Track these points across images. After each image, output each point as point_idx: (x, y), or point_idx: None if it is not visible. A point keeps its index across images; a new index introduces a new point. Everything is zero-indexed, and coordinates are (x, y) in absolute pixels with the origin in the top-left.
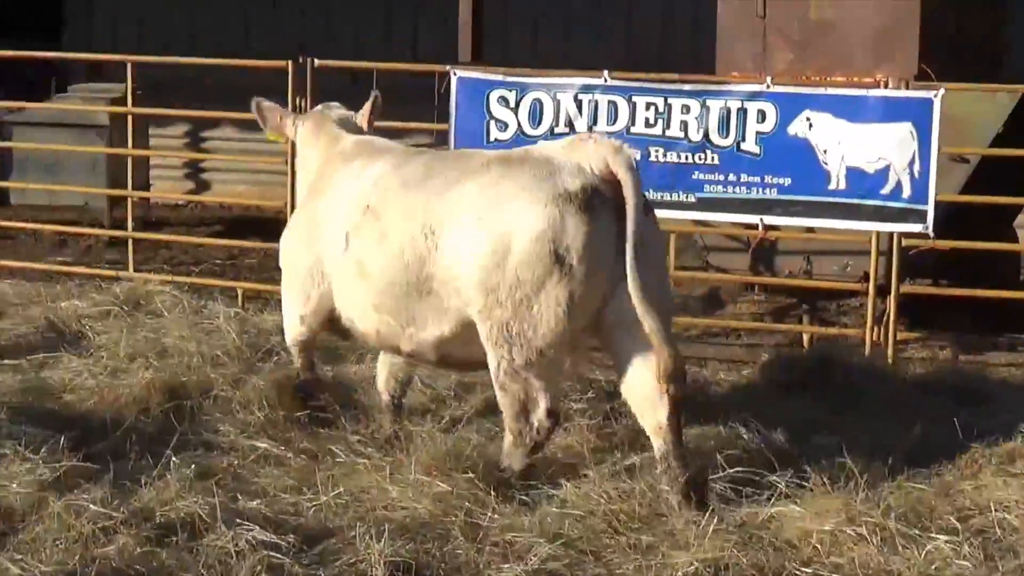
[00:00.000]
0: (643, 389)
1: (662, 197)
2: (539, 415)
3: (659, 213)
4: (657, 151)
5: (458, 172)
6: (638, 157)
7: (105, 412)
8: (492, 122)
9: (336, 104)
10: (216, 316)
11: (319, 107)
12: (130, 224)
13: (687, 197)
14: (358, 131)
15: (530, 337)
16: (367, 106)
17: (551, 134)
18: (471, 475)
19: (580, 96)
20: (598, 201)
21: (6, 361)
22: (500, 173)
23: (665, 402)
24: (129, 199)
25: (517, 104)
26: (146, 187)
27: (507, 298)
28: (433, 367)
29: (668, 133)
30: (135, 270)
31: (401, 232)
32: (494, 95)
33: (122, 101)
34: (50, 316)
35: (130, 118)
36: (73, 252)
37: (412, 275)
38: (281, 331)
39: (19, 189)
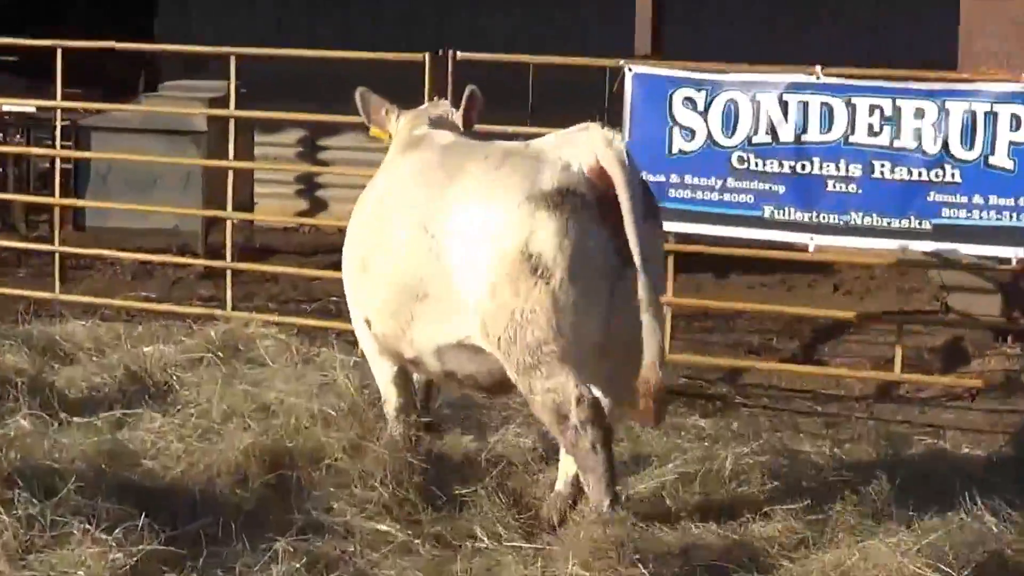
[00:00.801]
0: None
1: (889, 224)
2: (573, 410)
3: (883, 244)
4: (883, 166)
5: (461, 165)
6: (623, 148)
7: (194, 484)
8: (676, 129)
9: (445, 101)
10: (331, 366)
11: (425, 104)
12: (228, 252)
13: (920, 224)
14: (453, 129)
15: (526, 341)
16: (463, 102)
17: (748, 144)
18: (642, 570)
19: (786, 96)
20: (576, 202)
21: (76, 419)
22: (492, 167)
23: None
24: (228, 222)
25: (707, 107)
26: (249, 207)
27: (492, 303)
28: (444, 382)
29: (897, 144)
30: (233, 308)
31: (400, 226)
32: (679, 96)
33: (223, 102)
34: (129, 364)
35: (232, 123)
36: (159, 285)
37: (409, 275)
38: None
39: (97, 209)
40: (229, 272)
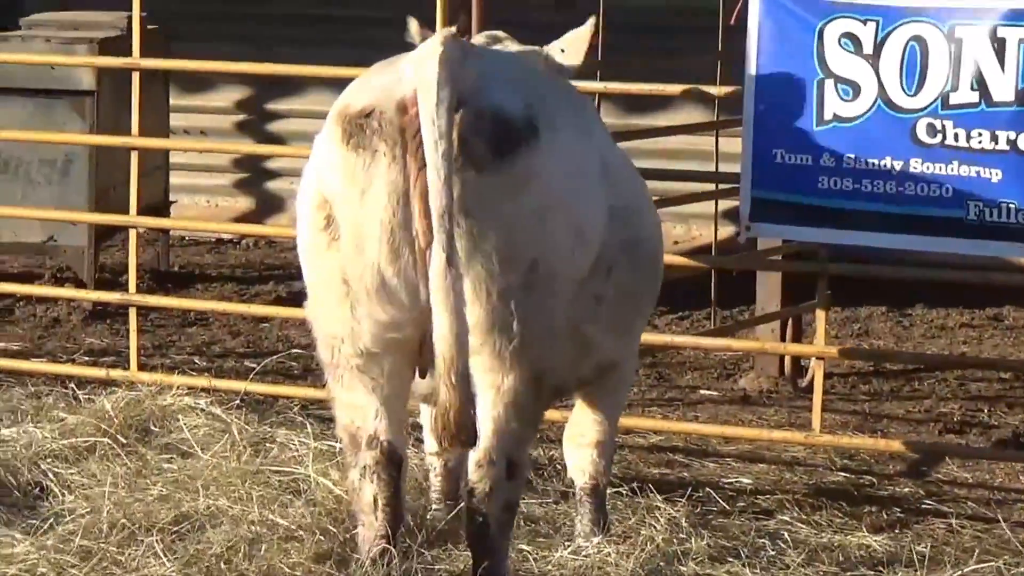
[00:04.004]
0: None
1: None
2: (364, 447)
3: None
4: None
5: None
6: (440, 56)
7: None
8: (829, 83)
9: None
10: (295, 455)
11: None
12: (133, 279)
13: None
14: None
15: (322, 330)
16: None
17: (944, 106)
18: None
19: (1001, 31)
20: (377, 132)
21: None
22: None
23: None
24: (132, 232)
25: (878, 47)
26: (164, 208)
27: (303, 268)
28: None
29: None
30: (141, 366)
31: None
32: (833, 31)
33: (120, 45)
34: None
35: (136, 77)
36: (25, 332)
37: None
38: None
39: None
40: (133, 311)
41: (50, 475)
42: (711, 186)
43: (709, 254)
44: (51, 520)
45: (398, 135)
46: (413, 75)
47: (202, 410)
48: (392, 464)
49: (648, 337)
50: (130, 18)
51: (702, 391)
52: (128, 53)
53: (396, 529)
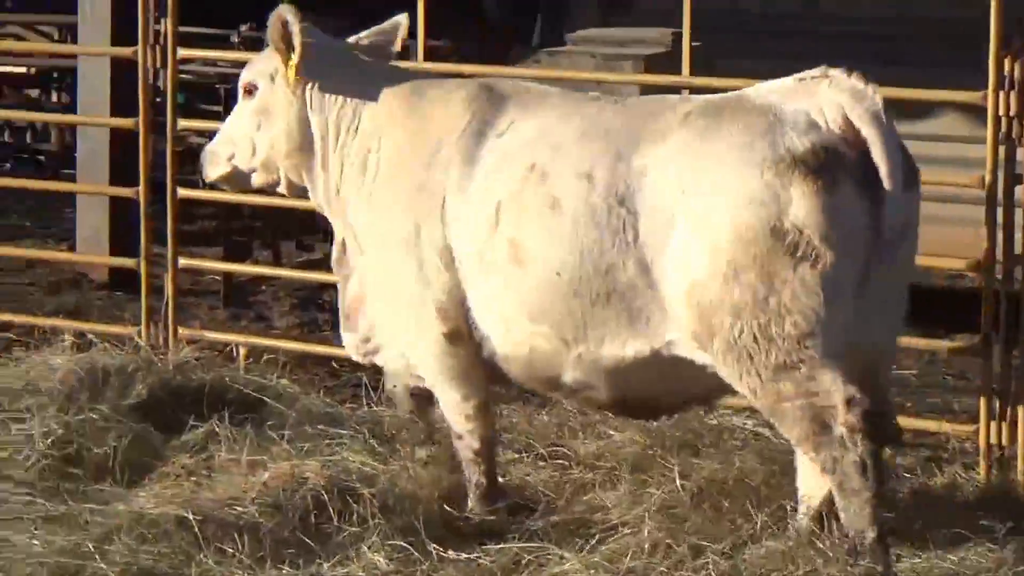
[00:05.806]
0: None
1: None
2: (839, 417)
3: None
4: None
5: (654, 125)
6: (880, 100)
7: None
8: None
9: None
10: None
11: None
12: None
13: None
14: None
15: (783, 337)
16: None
17: None
18: None
19: None
20: (837, 167)
21: (452, 553)
22: (705, 126)
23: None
24: None
25: None
26: None
27: (722, 294)
28: (600, 409)
29: None
30: None
31: (577, 201)
32: None
33: (665, 62)
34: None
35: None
36: None
37: (589, 264)
38: None
39: None
40: None
41: None
42: None
43: None
44: (596, 537)
45: (857, 169)
46: (836, 113)
47: (749, 431)
48: (871, 418)
49: None
50: (675, 34)
51: None
52: (670, 70)
53: (883, 481)
